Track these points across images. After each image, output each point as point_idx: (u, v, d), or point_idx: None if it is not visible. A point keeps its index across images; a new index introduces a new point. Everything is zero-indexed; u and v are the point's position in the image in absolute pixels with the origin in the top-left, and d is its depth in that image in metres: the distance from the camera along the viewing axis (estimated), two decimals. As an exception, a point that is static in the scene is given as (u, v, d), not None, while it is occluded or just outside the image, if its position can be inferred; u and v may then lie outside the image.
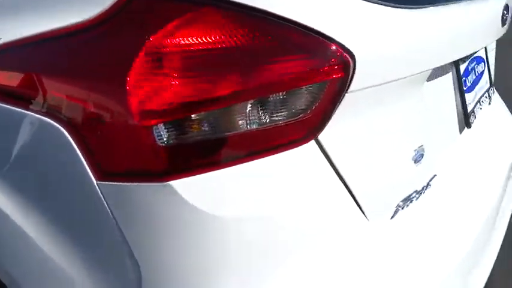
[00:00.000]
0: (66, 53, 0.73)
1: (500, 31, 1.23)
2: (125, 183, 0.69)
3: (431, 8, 0.92)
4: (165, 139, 0.68)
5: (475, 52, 1.30)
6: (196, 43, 0.67)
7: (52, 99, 0.73)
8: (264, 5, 0.68)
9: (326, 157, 0.76)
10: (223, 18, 0.68)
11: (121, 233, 0.71)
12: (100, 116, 0.69)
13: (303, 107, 0.73)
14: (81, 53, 0.71)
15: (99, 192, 0.70)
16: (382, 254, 0.89)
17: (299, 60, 0.70)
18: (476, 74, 1.33)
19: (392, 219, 0.92)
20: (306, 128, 0.74)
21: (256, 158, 0.71)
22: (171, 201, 0.68)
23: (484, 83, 1.39)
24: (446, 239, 1.03)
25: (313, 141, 0.74)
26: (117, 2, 0.69)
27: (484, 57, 1.42)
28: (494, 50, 1.65)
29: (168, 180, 0.67)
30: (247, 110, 0.70)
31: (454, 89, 1.15)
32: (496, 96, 1.79)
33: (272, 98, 0.71)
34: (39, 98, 0.74)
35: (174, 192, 0.67)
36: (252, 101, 0.70)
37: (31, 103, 0.74)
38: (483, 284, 1.17)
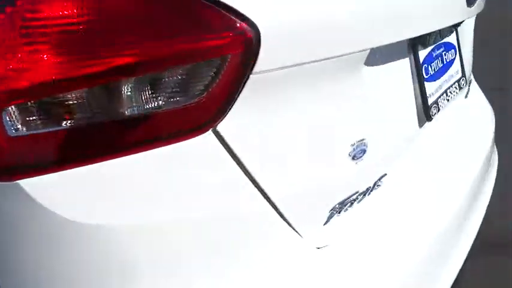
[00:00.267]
0: None
1: (467, 12, 1.09)
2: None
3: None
4: (16, 128, 0.55)
5: (442, 37, 1.17)
6: (62, 16, 0.54)
7: None
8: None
9: (230, 153, 0.63)
10: None
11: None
12: None
13: (196, 91, 0.60)
14: None
15: None
16: (313, 267, 0.76)
17: (189, 33, 0.57)
18: (444, 62, 1.20)
19: (326, 225, 0.79)
20: (202, 115, 0.60)
21: (137, 152, 0.58)
22: (21, 204, 0.55)
23: (454, 72, 1.25)
24: (399, 244, 0.90)
25: (210, 132, 0.61)
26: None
27: (456, 44, 1.28)
28: (472, 40, 1.51)
29: (17, 179, 0.54)
30: (126, 93, 0.57)
31: (413, 77, 1.01)
32: (475, 89, 1.66)
33: (157, 77, 0.58)
34: None
35: (24, 193, 0.54)
36: (130, 82, 0.57)
37: None
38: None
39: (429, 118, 1.03)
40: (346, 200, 0.82)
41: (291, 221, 0.72)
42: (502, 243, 1.93)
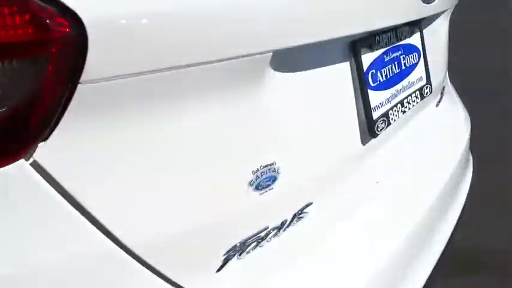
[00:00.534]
0: None
1: (423, 10, 0.92)
2: None
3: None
4: None
5: (399, 39, 1.01)
6: None
7: None
8: None
9: (54, 186, 0.47)
10: None
11: None
12: None
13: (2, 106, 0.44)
14: None
15: None
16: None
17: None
18: (403, 67, 1.03)
19: (220, 272, 0.63)
20: (9, 137, 0.45)
21: None
22: None
23: (416, 79, 1.09)
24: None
25: (23, 161, 0.45)
26: None
27: (420, 47, 1.12)
28: (446, 43, 1.35)
29: None
30: None
31: (354, 86, 0.85)
32: (450, 97, 1.49)
33: None
34: None
35: None
36: None
37: None
38: None
39: (373, 134, 0.87)
40: (249, 238, 0.66)
41: (162, 270, 0.56)
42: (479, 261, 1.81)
